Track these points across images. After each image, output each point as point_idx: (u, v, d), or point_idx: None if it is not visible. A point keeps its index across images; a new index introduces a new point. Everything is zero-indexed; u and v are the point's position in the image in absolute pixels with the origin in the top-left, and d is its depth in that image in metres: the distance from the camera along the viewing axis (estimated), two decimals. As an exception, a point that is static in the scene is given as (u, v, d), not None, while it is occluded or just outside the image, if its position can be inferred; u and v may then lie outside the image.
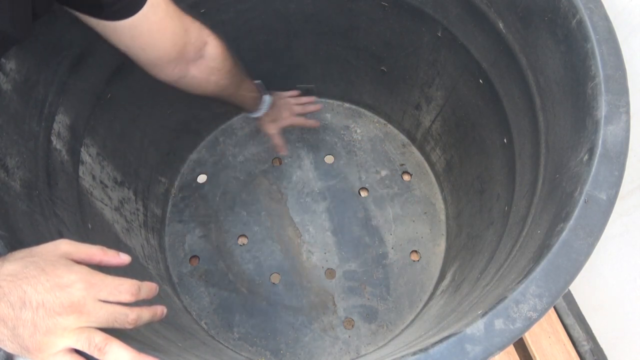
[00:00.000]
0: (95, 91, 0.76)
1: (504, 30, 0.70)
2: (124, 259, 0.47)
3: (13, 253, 0.41)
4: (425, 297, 0.98)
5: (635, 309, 0.82)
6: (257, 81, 0.89)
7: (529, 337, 0.94)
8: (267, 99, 0.92)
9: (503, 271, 0.56)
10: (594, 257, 0.45)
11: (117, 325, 0.41)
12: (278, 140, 1.01)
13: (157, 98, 0.92)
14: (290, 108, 1.01)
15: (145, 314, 0.44)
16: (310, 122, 1.05)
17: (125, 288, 0.42)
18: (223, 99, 0.79)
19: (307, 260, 1.01)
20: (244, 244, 1.03)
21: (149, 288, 0.45)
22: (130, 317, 0.42)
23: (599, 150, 0.48)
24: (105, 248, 0.46)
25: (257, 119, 0.96)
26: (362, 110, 1.18)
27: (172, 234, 1.04)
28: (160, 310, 0.47)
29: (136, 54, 0.61)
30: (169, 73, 0.66)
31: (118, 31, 0.57)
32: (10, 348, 0.38)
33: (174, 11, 0.61)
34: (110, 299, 0.41)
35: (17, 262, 0.40)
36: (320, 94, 1.18)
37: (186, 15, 0.63)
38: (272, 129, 0.99)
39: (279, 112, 0.98)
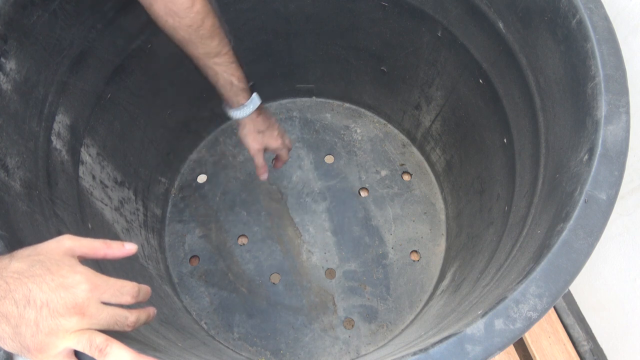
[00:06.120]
0: (95, 91, 0.76)
1: (504, 30, 0.70)
2: (130, 249, 0.47)
3: (19, 251, 0.41)
4: (425, 297, 0.98)
5: (635, 309, 0.82)
6: (250, 83, 0.79)
7: (529, 337, 0.94)
8: (255, 98, 0.78)
9: (503, 271, 0.56)
10: (594, 257, 0.45)
11: (117, 328, 0.42)
12: (260, 160, 0.85)
13: (157, 98, 0.92)
14: (281, 131, 0.87)
15: (142, 316, 0.45)
16: (284, 158, 0.90)
17: (127, 290, 0.43)
18: (193, 61, 0.72)
19: (307, 260, 1.01)
20: (244, 244, 1.03)
21: (145, 291, 0.46)
22: (129, 319, 0.43)
23: (599, 150, 0.48)
24: (108, 241, 0.46)
25: (241, 124, 0.81)
26: (362, 110, 1.18)
27: (172, 234, 1.04)
28: (152, 311, 0.48)
29: None
30: None
31: None
32: (10, 347, 0.38)
33: None
34: (112, 301, 0.41)
35: (24, 260, 0.40)
36: (320, 94, 1.18)
37: None
38: (257, 143, 0.83)
39: (270, 124, 0.84)
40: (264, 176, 0.87)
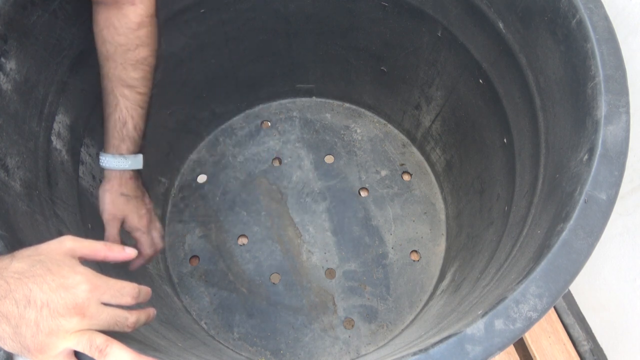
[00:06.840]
0: (95, 91, 0.75)
1: (504, 30, 0.70)
2: (130, 253, 0.47)
3: (20, 251, 0.42)
4: (425, 297, 0.98)
5: (635, 309, 0.82)
6: (140, 154, 0.67)
7: (529, 337, 0.94)
8: (139, 159, 0.67)
9: (503, 271, 0.56)
10: (594, 257, 0.45)
11: (117, 329, 0.42)
12: (113, 231, 0.67)
13: (157, 98, 0.92)
14: (152, 217, 0.72)
15: (142, 316, 0.45)
16: (144, 250, 0.71)
17: (127, 291, 0.43)
18: (102, 82, 0.65)
19: (307, 260, 1.01)
20: (244, 244, 1.03)
21: (146, 292, 0.46)
22: (129, 320, 0.43)
23: (599, 150, 0.48)
24: (109, 243, 0.46)
25: (106, 178, 0.67)
26: (362, 110, 1.18)
27: (172, 234, 1.04)
28: (152, 312, 0.48)
29: None
30: None
31: None
32: (10, 347, 0.38)
33: None
34: (113, 301, 0.42)
35: (25, 260, 0.40)
36: (320, 94, 1.18)
37: None
38: (115, 208, 0.66)
39: (139, 195, 0.70)
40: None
